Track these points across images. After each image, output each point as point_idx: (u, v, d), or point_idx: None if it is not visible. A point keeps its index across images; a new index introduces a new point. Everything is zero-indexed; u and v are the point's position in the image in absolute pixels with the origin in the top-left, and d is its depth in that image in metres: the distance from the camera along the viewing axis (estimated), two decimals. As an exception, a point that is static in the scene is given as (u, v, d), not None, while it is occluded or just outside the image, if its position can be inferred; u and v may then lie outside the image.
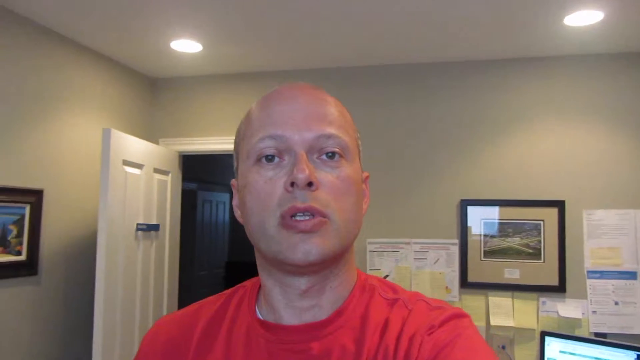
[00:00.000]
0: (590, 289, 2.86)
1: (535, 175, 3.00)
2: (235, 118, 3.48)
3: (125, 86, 3.41)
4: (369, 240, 3.12)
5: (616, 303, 2.80)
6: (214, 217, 7.07)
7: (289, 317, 0.74)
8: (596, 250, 2.87)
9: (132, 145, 2.99)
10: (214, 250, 7.01)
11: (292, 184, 0.67)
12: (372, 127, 3.19)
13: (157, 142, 3.56)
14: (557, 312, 2.87)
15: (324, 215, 0.68)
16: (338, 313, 0.74)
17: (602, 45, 2.86)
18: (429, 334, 0.68)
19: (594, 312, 2.83)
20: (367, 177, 0.81)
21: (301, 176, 0.66)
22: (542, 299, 2.90)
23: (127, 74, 3.43)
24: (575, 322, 2.84)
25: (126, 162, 2.91)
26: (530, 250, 2.95)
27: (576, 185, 2.93)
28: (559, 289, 2.89)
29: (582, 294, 2.86)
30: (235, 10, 2.54)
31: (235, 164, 0.81)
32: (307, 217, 0.67)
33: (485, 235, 3.02)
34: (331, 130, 0.72)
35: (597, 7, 2.42)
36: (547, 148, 2.99)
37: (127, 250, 2.91)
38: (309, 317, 0.74)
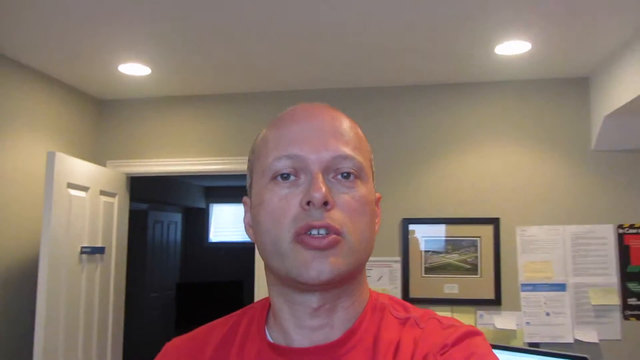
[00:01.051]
0: (523, 301, 3.01)
1: (473, 194, 3.15)
2: (183, 140, 3.52)
3: (72, 108, 3.40)
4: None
5: (547, 314, 2.96)
6: (165, 238, 6.99)
7: (300, 338, 0.73)
8: (529, 264, 3.03)
9: (77, 168, 2.98)
10: (165, 271, 6.92)
11: (308, 203, 0.67)
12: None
13: (104, 164, 3.55)
14: (494, 324, 3.01)
15: (338, 234, 0.67)
16: (350, 333, 0.73)
17: (530, 72, 3.06)
18: (442, 354, 0.68)
19: (528, 323, 2.99)
20: (379, 198, 0.81)
21: (318, 195, 0.66)
22: (479, 312, 3.04)
23: (74, 95, 3.42)
24: (510, 334, 2.99)
25: (71, 185, 2.90)
26: (468, 266, 3.09)
27: (510, 203, 3.10)
28: (495, 302, 3.03)
29: (516, 306, 3.02)
30: (183, 35, 2.60)
31: (248, 181, 0.80)
32: (321, 234, 0.67)
33: (426, 252, 3.14)
34: (347, 151, 0.72)
35: (525, 39, 2.61)
36: (483, 168, 3.16)
37: (70, 274, 2.88)
38: (320, 337, 0.72)
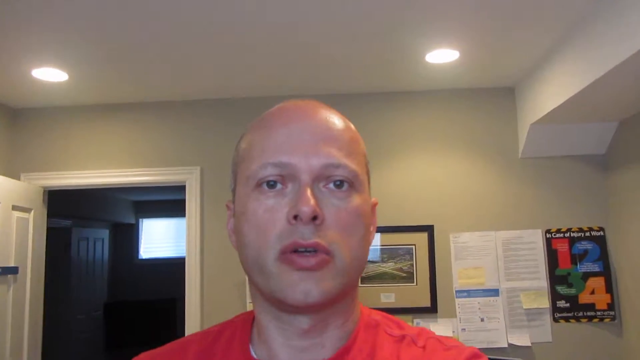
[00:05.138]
0: (459, 307, 3.03)
1: (407, 202, 3.15)
2: (107, 151, 3.32)
3: (-21, 116, 3.13)
4: (249, 272, 3.07)
5: (482, 319, 2.99)
6: (91, 255, 6.63)
7: (287, 356, 0.67)
8: (463, 270, 3.05)
9: (-15, 181, 2.73)
10: (92, 291, 6.55)
11: (296, 217, 0.61)
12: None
13: (18, 177, 3.28)
14: (430, 332, 3.00)
15: (327, 253, 0.62)
16: (343, 351, 0.67)
17: (459, 81, 3.10)
18: None
19: (463, 329, 3.00)
20: (375, 204, 0.74)
21: (306, 209, 0.60)
22: (416, 320, 3.03)
23: (-17, 103, 3.15)
24: (447, 341, 2.98)
25: (-22, 200, 2.65)
26: (404, 274, 3.07)
27: (443, 210, 3.12)
28: (431, 309, 3.03)
29: (452, 313, 3.03)
30: (101, 38, 2.44)
31: (232, 184, 0.74)
32: (309, 252, 0.61)
33: (362, 262, 3.10)
34: (340, 157, 0.66)
35: (453, 47, 2.64)
36: (416, 176, 3.17)
37: (-22, 297, 2.62)
38: (309, 358, 0.67)
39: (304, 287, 0.61)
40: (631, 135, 2.82)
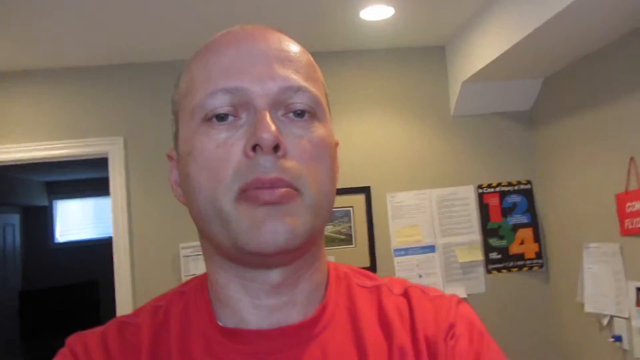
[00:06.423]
0: (397, 266, 3.06)
1: (344, 164, 3.06)
2: (7, 123, 2.99)
3: None
4: (182, 244, 2.93)
5: (420, 276, 3.04)
6: (0, 242, 6.12)
7: (256, 319, 0.59)
8: (400, 229, 3.08)
9: None
10: (4, 280, 6.07)
11: (255, 148, 0.53)
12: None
13: None
14: (372, 292, 3.02)
15: (294, 188, 0.54)
16: (322, 308, 0.61)
17: (393, 40, 3.07)
18: (452, 338, 0.60)
19: (403, 287, 3.04)
20: (337, 144, 0.67)
21: (266, 136, 0.52)
22: (357, 282, 3.03)
23: None
24: (387, 300, 3.02)
25: None
26: (343, 237, 3.06)
27: (379, 170, 3.12)
28: (371, 269, 2.99)
29: (391, 272, 3.05)
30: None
31: (173, 128, 0.63)
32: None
33: (301, 227, 3.05)
34: (300, 81, 0.58)
35: (388, 3, 2.59)
36: (352, 137, 3.13)
37: None
38: (280, 318, 0.59)
39: (270, 226, 0.53)
40: (554, 92, 2.94)
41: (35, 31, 2.58)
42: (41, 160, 3.07)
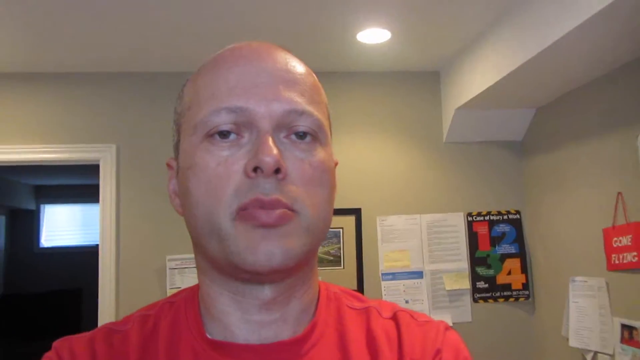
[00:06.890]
0: (384, 290, 3.04)
1: (337, 185, 3.11)
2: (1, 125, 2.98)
3: None
4: (168, 256, 2.91)
5: (407, 301, 3.03)
6: (-17, 245, 6.04)
7: (246, 334, 0.59)
8: (389, 253, 3.07)
9: None
10: (-15, 282, 5.98)
11: (256, 169, 0.53)
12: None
13: None
14: (357, 315, 3.00)
15: (291, 210, 0.55)
16: (312, 326, 0.61)
17: (389, 63, 3.10)
18: None
19: (389, 311, 3.02)
20: (336, 164, 0.67)
21: (268, 159, 0.53)
22: (343, 304, 3.01)
23: None
24: (372, 323, 3.00)
25: None
26: (332, 258, 3.04)
27: (371, 193, 3.12)
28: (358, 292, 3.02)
29: (378, 296, 3.03)
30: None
31: (175, 138, 0.64)
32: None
33: (289, 245, 3.04)
34: (304, 104, 0.58)
35: (385, 27, 2.61)
36: (344, 159, 3.12)
37: None
38: (270, 334, 0.59)
39: (265, 247, 0.54)
40: (546, 123, 2.96)
41: (31, 36, 2.58)
42: (32, 163, 3.06)
